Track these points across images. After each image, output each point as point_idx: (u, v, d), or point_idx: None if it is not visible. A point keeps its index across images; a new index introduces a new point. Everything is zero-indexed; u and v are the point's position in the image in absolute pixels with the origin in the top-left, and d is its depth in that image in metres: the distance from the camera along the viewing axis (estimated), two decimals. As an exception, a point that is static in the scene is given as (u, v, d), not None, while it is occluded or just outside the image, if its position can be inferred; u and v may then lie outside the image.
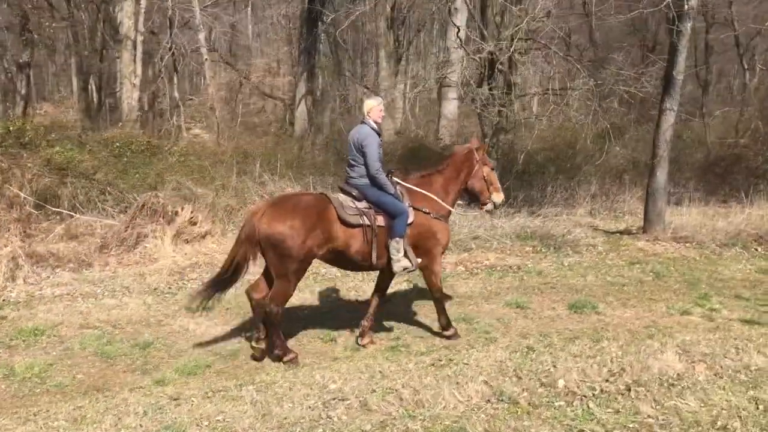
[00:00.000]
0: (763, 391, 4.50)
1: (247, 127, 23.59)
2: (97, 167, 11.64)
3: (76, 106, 23.72)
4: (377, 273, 5.86)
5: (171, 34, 21.40)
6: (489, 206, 5.98)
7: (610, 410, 4.23)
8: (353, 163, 5.47)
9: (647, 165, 17.19)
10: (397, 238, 5.32)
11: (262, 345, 5.27)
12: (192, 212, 8.97)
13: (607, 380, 4.73)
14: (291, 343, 5.70)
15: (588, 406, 4.28)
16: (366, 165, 5.37)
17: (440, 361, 5.16)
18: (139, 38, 19.32)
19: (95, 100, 24.16)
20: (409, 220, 5.41)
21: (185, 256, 8.40)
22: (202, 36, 23.89)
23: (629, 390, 4.54)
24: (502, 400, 4.39)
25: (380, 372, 4.92)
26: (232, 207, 11.05)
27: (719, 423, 4.04)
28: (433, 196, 5.63)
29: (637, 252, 9.02)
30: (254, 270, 5.49)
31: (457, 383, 4.63)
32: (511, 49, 10.02)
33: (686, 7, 8.51)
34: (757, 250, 9.30)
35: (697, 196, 14.45)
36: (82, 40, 24.03)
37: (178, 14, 22.97)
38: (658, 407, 4.27)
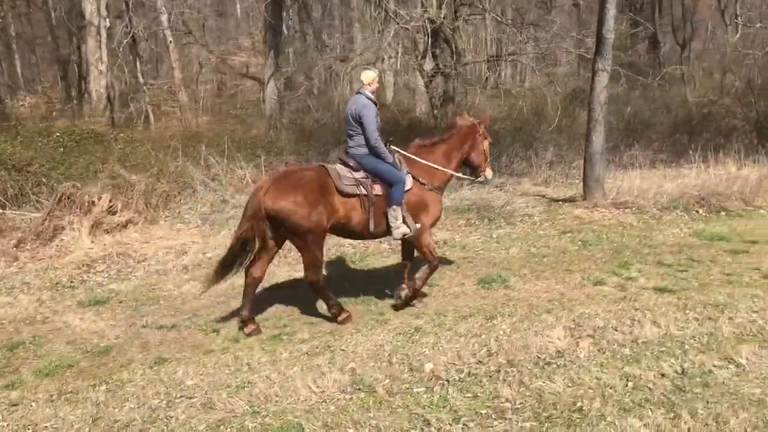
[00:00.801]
0: (639, 366, 4.30)
1: (221, 109, 23.25)
2: (33, 158, 11.35)
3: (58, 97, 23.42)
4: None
5: (128, 17, 20.94)
6: (482, 178, 6.19)
7: (468, 395, 4.04)
8: (352, 133, 5.54)
9: (612, 127, 17.00)
10: (395, 206, 5.43)
11: (250, 326, 5.44)
12: (111, 201, 8.70)
13: (479, 362, 4.53)
14: (172, 335, 5.49)
15: (447, 392, 4.09)
16: (365, 134, 5.44)
17: (317, 348, 4.96)
18: (103, 23, 18.87)
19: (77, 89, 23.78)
20: (407, 187, 5.51)
21: (103, 248, 8.17)
22: (164, 18, 23.45)
23: (499, 372, 4.34)
24: (359, 389, 4.20)
25: (248, 364, 4.73)
26: (168, 193, 10.79)
27: (578, 404, 3.85)
28: (431, 164, 5.73)
29: (572, 220, 8.77)
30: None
31: (322, 373, 4.43)
32: (442, 16, 9.57)
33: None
34: (698, 212, 9.04)
35: (661, 158, 14.17)
36: (58, 29, 23.66)
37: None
38: (521, 389, 4.07)
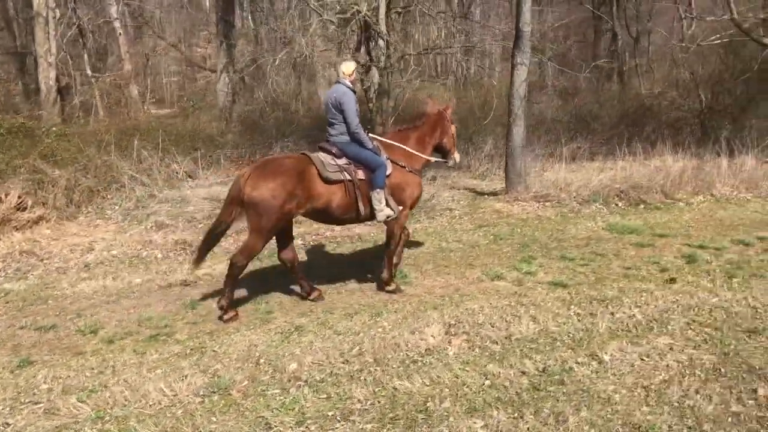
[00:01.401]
0: (503, 364, 4.28)
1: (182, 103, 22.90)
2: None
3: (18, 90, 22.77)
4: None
5: (71, 8, 20.44)
6: (451, 162, 6.57)
7: (323, 396, 3.98)
8: (332, 121, 5.75)
9: (558, 121, 17.09)
10: (378, 190, 5.66)
11: (316, 293, 5.85)
12: (20, 197, 8.46)
13: (346, 361, 4.47)
14: (48, 336, 5.33)
15: (302, 393, 4.02)
16: (346, 122, 5.66)
17: (190, 350, 4.85)
18: (51, 14, 18.32)
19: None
20: (387, 172, 5.74)
21: (10, 245, 7.92)
22: (114, 9, 22.98)
23: (362, 371, 4.27)
24: (213, 393, 4.09)
25: (113, 367, 4.61)
26: (92, 189, 10.54)
27: (428, 404, 3.81)
28: (409, 149, 6.01)
29: (491, 214, 8.75)
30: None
31: (184, 375, 4.33)
32: (362, 10, 9.45)
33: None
34: (617, 205, 9.11)
35: (601, 151, 14.25)
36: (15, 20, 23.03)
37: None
38: (377, 389, 4.03)
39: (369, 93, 12.10)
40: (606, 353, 4.40)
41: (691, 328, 4.80)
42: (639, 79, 23.48)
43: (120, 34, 23.01)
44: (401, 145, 6.02)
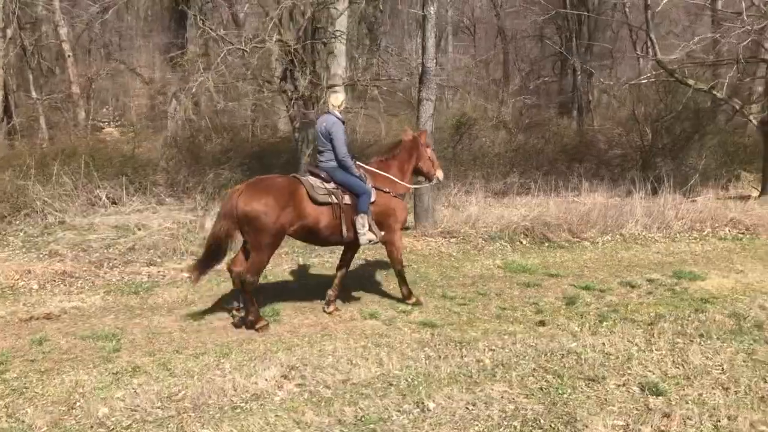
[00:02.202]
0: (323, 411, 4.21)
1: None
2: None
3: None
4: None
5: (13, 29, 20.21)
6: (434, 181, 6.94)
7: (118, 445, 3.74)
8: (321, 149, 6.15)
9: (498, 156, 17.17)
10: (362, 214, 6.01)
11: (241, 313, 5.99)
12: None
13: (163, 406, 4.27)
14: None
15: (100, 442, 3.78)
16: (334, 150, 6.01)
17: (11, 390, 4.62)
18: None
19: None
20: (372, 199, 6.09)
21: None
22: (63, 31, 22.77)
23: (172, 418, 4.09)
24: (5, 439, 3.85)
25: None
26: (-1, 214, 10.28)
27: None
28: (392, 177, 6.39)
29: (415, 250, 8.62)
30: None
31: (-12, 420, 4.07)
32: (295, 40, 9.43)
33: (427, -10, 8.12)
34: (521, 243, 9.09)
35: (529, 186, 14.26)
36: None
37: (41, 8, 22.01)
38: (179, 438, 3.79)
39: (295, 123, 12.03)
40: (433, 401, 4.29)
41: (533, 375, 4.71)
42: (591, 114, 23.90)
43: (69, 56, 22.80)
44: (384, 173, 6.37)
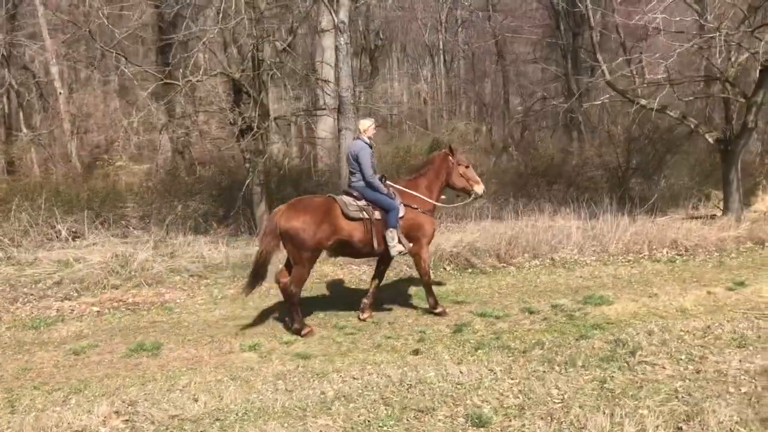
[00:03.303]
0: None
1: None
2: None
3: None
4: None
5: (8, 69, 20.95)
6: (473, 196, 7.21)
7: None
8: (352, 170, 6.83)
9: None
10: (392, 228, 6.62)
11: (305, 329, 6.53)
12: None
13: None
14: None
15: None
16: (361, 172, 6.68)
17: None
18: None
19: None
20: (400, 214, 6.69)
21: None
22: (55, 69, 23.42)
23: (-21, 455, 4.07)
24: None
25: None
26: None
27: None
28: (418, 195, 6.92)
29: (317, 278, 8.59)
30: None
31: None
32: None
33: (336, 21, 8.19)
34: (445, 269, 9.00)
35: (499, 209, 14.12)
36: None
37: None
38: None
39: (245, 153, 12.14)
40: (246, 436, 4.22)
41: (366, 407, 4.65)
42: (583, 135, 23.68)
43: (60, 93, 23.41)
44: (411, 191, 6.91)
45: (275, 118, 12.37)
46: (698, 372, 4.99)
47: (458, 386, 4.95)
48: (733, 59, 12.04)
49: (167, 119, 21.51)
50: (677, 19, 12.27)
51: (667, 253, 9.53)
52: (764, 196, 15.18)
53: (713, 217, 12.77)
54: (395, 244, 6.65)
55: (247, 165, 12.43)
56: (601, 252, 9.60)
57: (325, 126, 16.76)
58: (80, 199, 14.62)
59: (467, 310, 7.16)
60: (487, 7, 28.37)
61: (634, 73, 12.06)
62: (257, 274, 6.58)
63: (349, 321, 6.94)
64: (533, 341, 5.93)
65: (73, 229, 13.17)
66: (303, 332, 6.40)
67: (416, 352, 5.86)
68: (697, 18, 10.98)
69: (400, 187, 6.95)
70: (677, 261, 9.20)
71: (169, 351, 6.23)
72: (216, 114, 14.91)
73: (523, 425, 4.24)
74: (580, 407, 4.43)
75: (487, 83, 31.60)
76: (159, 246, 11.28)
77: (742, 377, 4.84)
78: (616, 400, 4.53)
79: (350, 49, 8.76)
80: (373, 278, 7.23)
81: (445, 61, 32.70)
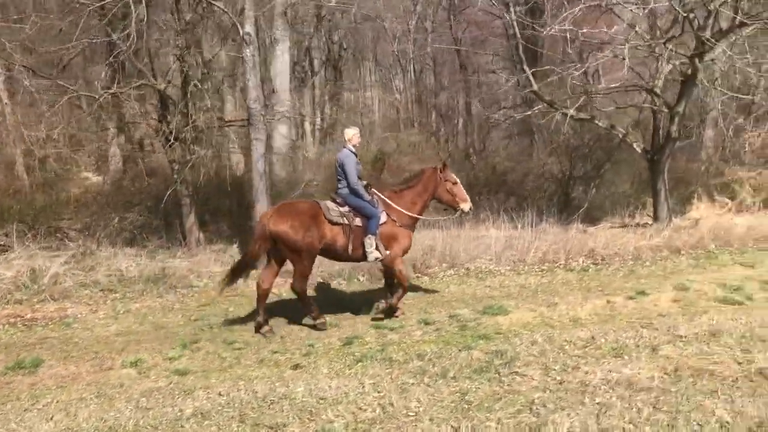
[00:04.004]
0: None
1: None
2: None
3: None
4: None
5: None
6: (458, 212, 7.51)
7: None
8: (339, 178, 7.05)
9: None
10: (370, 235, 6.88)
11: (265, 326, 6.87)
12: None
13: None
14: None
15: None
16: (346, 179, 6.93)
17: None
18: None
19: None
20: (381, 221, 6.96)
21: None
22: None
23: None
24: None
25: None
26: None
27: None
28: (399, 208, 7.14)
29: (227, 291, 8.47)
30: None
31: None
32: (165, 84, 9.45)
33: (242, 33, 8.14)
34: (358, 280, 8.94)
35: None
36: None
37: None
38: None
39: (174, 164, 12.02)
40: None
41: (219, 425, 4.59)
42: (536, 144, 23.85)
43: (6, 103, 22.99)
44: (394, 204, 7.14)
45: (204, 129, 12.29)
46: (561, 383, 5.00)
47: (321, 401, 4.90)
48: (660, 70, 12.28)
49: (116, 130, 21.29)
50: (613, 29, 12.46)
51: (582, 262, 9.61)
52: (699, 204, 15.43)
53: (645, 225, 12.96)
54: (373, 250, 6.89)
55: (175, 176, 12.31)
56: (518, 261, 9.64)
57: (281, 136, 16.74)
58: (12, 211, 14.36)
59: (365, 322, 7.12)
60: (448, 18, 28.55)
61: (570, 82, 12.17)
62: (236, 273, 6.91)
63: (241, 336, 6.84)
64: (416, 353, 5.91)
65: (1, 242, 12.90)
66: (318, 323, 6.84)
67: (296, 366, 5.80)
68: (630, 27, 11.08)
69: (384, 198, 7.18)
70: (590, 270, 9.27)
71: (47, 368, 6.08)
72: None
73: (368, 440, 4.21)
74: (430, 420, 4.42)
75: (448, 93, 31.78)
76: (83, 259, 11.10)
77: (602, 387, 4.86)
78: (470, 412, 4.52)
79: (257, 60, 8.68)
80: (386, 284, 7.60)
81: (414, 71, 32.90)
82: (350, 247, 6.84)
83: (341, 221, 6.83)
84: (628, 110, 14.70)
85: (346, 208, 6.90)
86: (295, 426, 4.48)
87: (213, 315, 7.67)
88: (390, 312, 7.17)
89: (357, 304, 7.80)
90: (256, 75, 8.66)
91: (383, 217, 6.97)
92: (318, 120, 27.73)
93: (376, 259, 6.98)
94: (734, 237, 11.10)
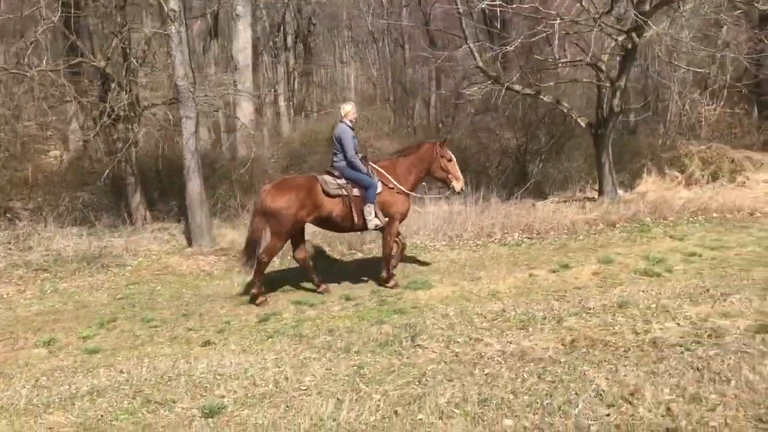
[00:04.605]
0: None
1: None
2: None
3: None
4: None
5: None
6: (450, 190, 7.76)
7: None
8: (336, 151, 7.30)
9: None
10: (369, 204, 7.15)
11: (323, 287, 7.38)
12: None
13: None
14: None
15: None
16: (344, 152, 7.17)
17: None
18: None
19: None
20: (378, 191, 7.19)
21: None
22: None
23: None
24: None
25: None
26: None
27: None
28: (392, 180, 7.35)
29: (157, 270, 8.50)
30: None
31: None
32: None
33: (166, 9, 8.01)
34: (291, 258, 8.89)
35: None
36: None
37: None
38: None
39: (114, 145, 11.87)
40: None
41: (111, 402, 4.60)
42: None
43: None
44: (388, 174, 7.34)
45: (146, 107, 12.13)
46: (457, 355, 5.08)
47: (219, 377, 4.94)
48: (607, 45, 12.32)
49: (77, 108, 20.90)
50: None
51: (518, 236, 9.70)
52: (648, 177, 15.59)
53: (592, 199, 13.09)
54: (372, 218, 7.15)
55: (119, 155, 12.16)
56: (455, 237, 9.70)
57: (244, 114, 16.59)
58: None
59: (288, 299, 7.15)
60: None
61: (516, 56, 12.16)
62: (251, 252, 7.04)
63: (161, 314, 6.85)
64: (328, 328, 5.96)
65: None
66: (257, 302, 6.96)
67: (207, 343, 5.83)
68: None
69: (378, 168, 7.38)
70: (523, 245, 9.36)
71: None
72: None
73: (252, 414, 4.25)
74: (318, 393, 4.47)
75: (419, 68, 31.57)
76: (26, 239, 10.97)
77: (496, 359, 4.94)
78: (360, 385, 4.58)
79: (183, 37, 8.55)
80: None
81: (388, 47, 32.59)
82: (353, 217, 7.11)
83: (340, 193, 7.08)
84: (584, 86, 14.79)
85: (344, 181, 7.13)
86: (185, 402, 4.51)
87: (139, 294, 7.64)
88: (388, 280, 7.43)
89: (285, 281, 7.83)
90: (183, 52, 8.53)
91: (379, 187, 7.20)
92: (289, 96, 27.56)
93: (376, 226, 7.22)
94: (674, 210, 11.25)
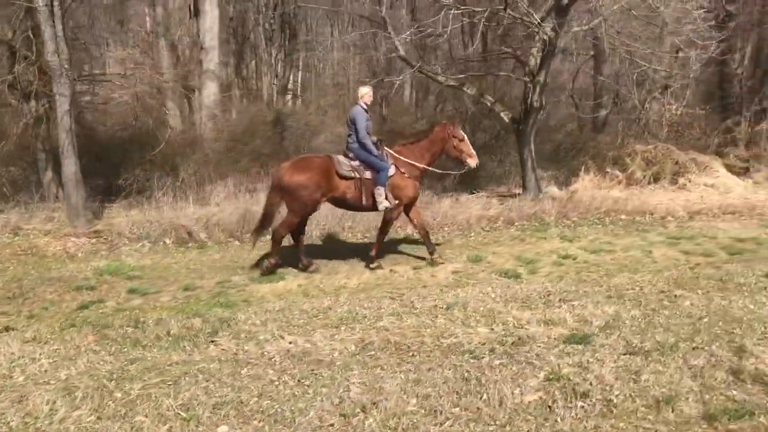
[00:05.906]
0: None
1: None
2: None
3: None
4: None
5: None
6: (466, 167, 7.80)
7: None
8: (350, 132, 7.43)
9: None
10: (380, 186, 7.28)
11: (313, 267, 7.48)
12: None
13: None
14: None
15: None
16: (356, 134, 7.29)
17: None
18: None
19: None
20: (390, 173, 7.33)
21: None
22: None
23: None
24: None
25: None
26: None
27: None
28: (407, 160, 7.51)
29: (24, 249, 8.26)
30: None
31: None
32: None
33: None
34: (165, 243, 8.68)
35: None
36: None
37: None
38: None
39: (27, 119, 11.54)
40: None
41: None
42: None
43: None
44: (402, 158, 7.50)
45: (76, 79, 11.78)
46: (236, 354, 4.82)
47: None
48: (536, 40, 12.00)
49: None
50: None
51: (411, 231, 9.41)
52: (585, 176, 15.28)
53: (516, 195, 12.81)
54: (382, 200, 7.27)
55: (33, 131, 11.84)
56: (347, 229, 9.43)
57: (208, 93, 16.27)
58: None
59: (127, 286, 6.88)
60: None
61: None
62: (264, 223, 7.29)
63: None
64: (134, 320, 5.68)
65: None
66: (270, 266, 7.20)
67: (6, 329, 5.56)
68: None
69: (392, 152, 7.52)
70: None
71: None
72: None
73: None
74: (63, 389, 4.21)
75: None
76: None
77: (275, 359, 4.69)
78: (113, 382, 4.31)
79: (54, 12, 8.21)
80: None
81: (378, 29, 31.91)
82: (363, 199, 7.25)
83: (352, 175, 7.20)
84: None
85: (357, 162, 7.25)
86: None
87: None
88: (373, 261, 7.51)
89: (133, 267, 7.57)
90: (52, 27, 8.20)
91: (392, 170, 7.31)
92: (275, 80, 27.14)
93: (386, 208, 7.33)
94: (587, 210, 10.99)
